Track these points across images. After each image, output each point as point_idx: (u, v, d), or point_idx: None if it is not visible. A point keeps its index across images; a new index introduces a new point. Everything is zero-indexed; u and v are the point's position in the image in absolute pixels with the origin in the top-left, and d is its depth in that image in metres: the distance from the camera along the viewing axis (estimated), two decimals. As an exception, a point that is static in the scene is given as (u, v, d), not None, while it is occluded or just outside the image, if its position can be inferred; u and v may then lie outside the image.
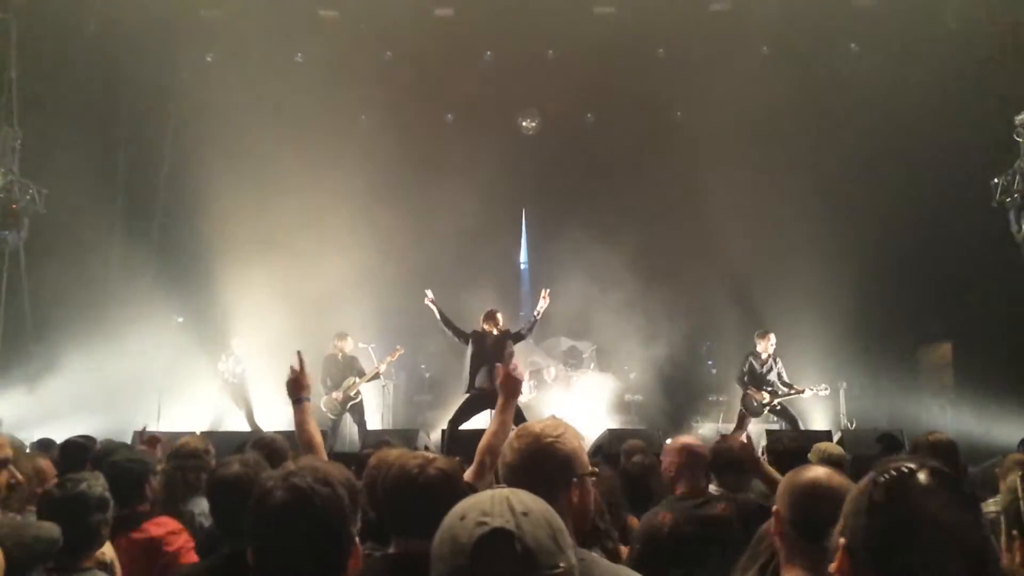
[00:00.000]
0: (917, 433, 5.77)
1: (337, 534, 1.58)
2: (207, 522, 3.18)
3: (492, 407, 5.03)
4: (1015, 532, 1.77)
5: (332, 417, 9.40)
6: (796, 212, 10.63)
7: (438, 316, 8.34)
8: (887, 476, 1.22)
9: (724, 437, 4.75)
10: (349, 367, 9.65)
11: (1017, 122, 9.09)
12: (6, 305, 9.70)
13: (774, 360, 9.39)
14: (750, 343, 9.61)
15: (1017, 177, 9.23)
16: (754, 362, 9.39)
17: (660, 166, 11.68)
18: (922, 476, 1.21)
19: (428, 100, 11.64)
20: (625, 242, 10.99)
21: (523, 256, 13.81)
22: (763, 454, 4.74)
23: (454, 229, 10.95)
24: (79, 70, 10.39)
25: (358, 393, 9.54)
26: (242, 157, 10.68)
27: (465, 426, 7.77)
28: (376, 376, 9.79)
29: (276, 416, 9.31)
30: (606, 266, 10.84)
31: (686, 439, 3.49)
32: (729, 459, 3.66)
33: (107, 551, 2.79)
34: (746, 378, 9.39)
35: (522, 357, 10.07)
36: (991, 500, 3.52)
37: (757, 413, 9.37)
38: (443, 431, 7.94)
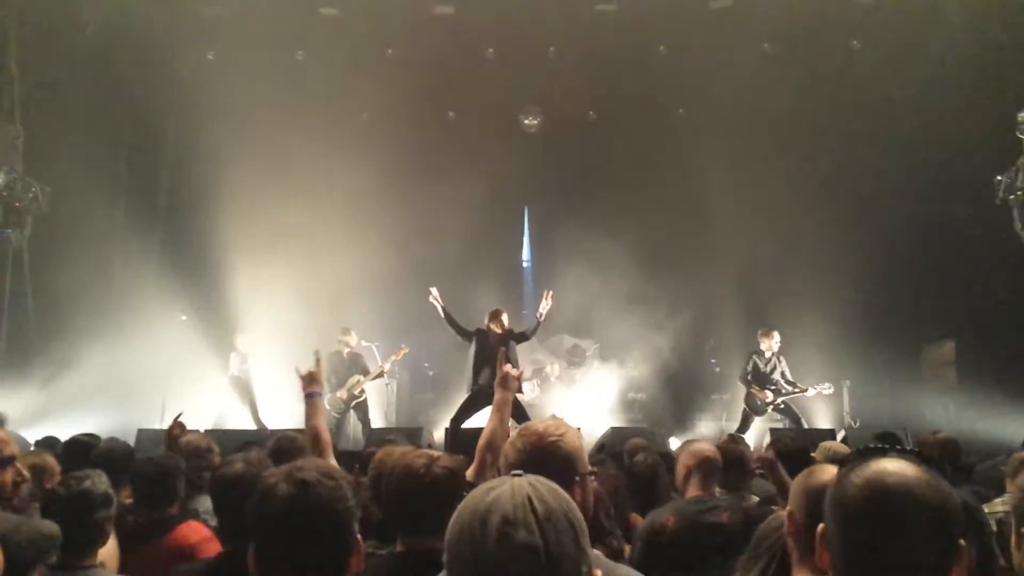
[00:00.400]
0: (921, 431, 5.77)
1: (341, 528, 1.57)
2: (211, 521, 3.19)
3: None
4: (1024, 530, 1.77)
5: (336, 415, 9.37)
6: (799, 210, 10.62)
7: (442, 314, 8.35)
8: (855, 464, 1.29)
9: (731, 437, 4.73)
10: (354, 365, 9.66)
11: (1020, 119, 9.03)
12: (10, 304, 9.70)
13: (778, 358, 9.39)
14: (753, 341, 9.62)
15: (1020, 174, 9.19)
16: (758, 360, 9.40)
17: (662, 163, 11.66)
18: (889, 464, 1.26)
19: (429, 98, 11.61)
20: (628, 239, 10.99)
21: (526, 253, 13.81)
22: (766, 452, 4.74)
23: (456, 227, 10.93)
24: (81, 67, 10.37)
25: (363, 391, 9.55)
26: (244, 154, 10.68)
27: (468, 424, 7.78)
28: (380, 375, 9.80)
29: (280, 414, 9.36)
30: (609, 263, 10.84)
31: (700, 444, 3.44)
32: (733, 459, 3.64)
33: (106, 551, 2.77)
34: (750, 376, 9.40)
35: (525, 355, 10.07)
36: (998, 499, 3.53)
37: (761, 412, 9.37)
38: (446, 429, 7.95)
